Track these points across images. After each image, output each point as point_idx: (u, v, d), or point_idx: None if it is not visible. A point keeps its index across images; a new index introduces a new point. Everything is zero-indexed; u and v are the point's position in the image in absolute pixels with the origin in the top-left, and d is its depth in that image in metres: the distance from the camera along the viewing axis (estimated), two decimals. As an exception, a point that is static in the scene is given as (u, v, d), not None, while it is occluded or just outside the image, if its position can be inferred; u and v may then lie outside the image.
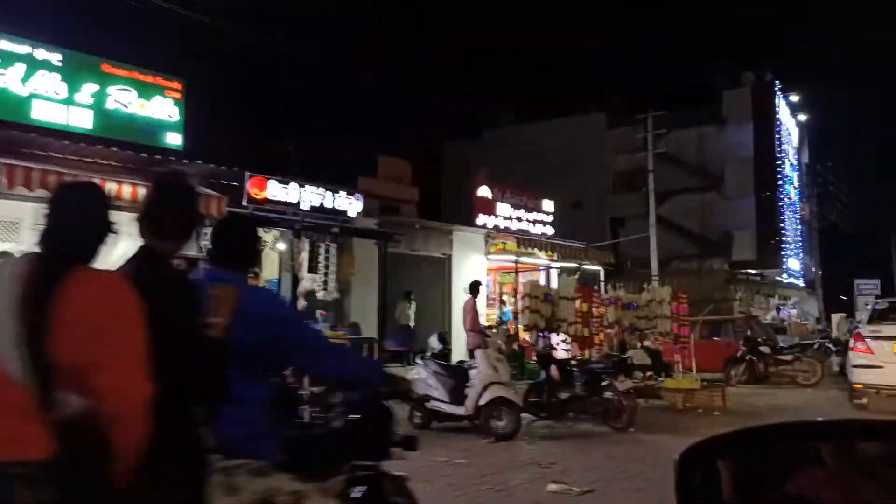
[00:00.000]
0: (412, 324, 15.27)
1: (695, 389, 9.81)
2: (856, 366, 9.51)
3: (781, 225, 33.58)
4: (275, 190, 10.52)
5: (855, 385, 9.49)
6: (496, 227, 17.40)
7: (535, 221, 19.01)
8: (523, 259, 17.23)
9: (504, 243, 17.19)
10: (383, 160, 21.44)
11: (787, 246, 34.46)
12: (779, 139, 33.68)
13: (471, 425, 7.66)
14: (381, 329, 12.55)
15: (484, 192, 17.42)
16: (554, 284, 19.49)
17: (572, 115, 36.85)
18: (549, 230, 19.59)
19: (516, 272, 16.33)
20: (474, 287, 10.40)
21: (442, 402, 7.83)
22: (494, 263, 18.31)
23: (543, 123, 37.48)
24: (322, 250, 11.35)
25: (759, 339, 14.31)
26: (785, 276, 34.52)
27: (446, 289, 15.94)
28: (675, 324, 11.87)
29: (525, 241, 16.55)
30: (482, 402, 7.45)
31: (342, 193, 11.52)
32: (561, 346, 12.37)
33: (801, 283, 37.87)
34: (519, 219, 18.50)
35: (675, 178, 35.46)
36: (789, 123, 37.24)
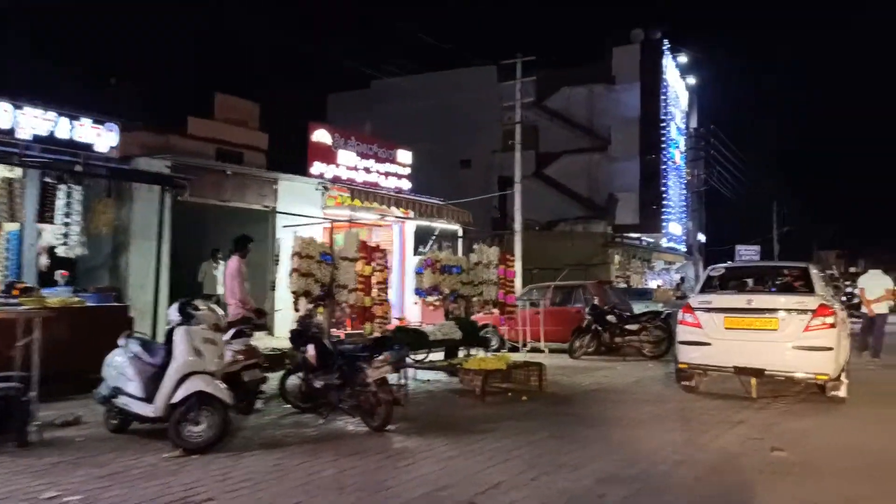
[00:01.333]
0: (221, 288, 13.06)
1: (500, 370, 8.19)
2: (682, 342, 8.19)
3: (664, 189, 33.23)
4: (-27, 111, 7.94)
5: (680, 365, 8.17)
6: (336, 178, 15.29)
7: (387, 174, 17.02)
8: (365, 215, 15.27)
9: (345, 196, 15.13)
10: (221, 99, 18.71)
11: (670, 210, 34.26)
12: (665, 100, 33.08)
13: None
14: (156, 294, 10.29)
15: (321, 137, 15.20)
16: (409, 245, 17.81)
17: (463, 67, 34.90)
18: (405, 184, 17.68)
19: (349, 228, 14.29)
20: (240, 243, 8.35)
21: (133, 397, 5.79)
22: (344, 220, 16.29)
23: (433, 75, 35.36)
24: (62, 194, 8.89)
25: (606, 308, 13.07)
26: (665, 240, 34.41)
27: (270, 248, 13.76)
28: (502, 290, 10.30)
29: (364, 193, 14.52)
30: (176, 399, 5.46)
31: (85, 121, 8.99)
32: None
33: (682, 248, 38.09)
34: (367, 170, 16.45)
35: (565, 138, 34.43)
36: (678, 86, 36.83)
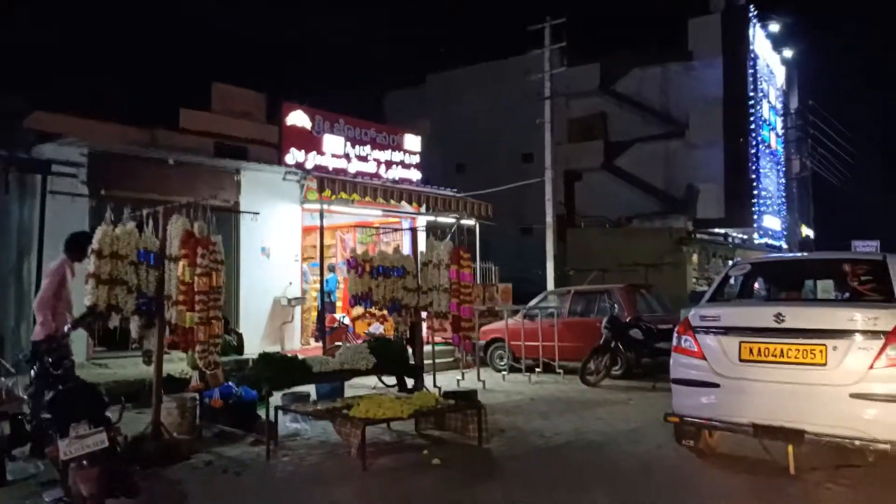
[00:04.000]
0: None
1: (399, 419, 5.58)
2: (677, 380, 5.26)
3: (755, 177, 28.83)
4: None
5: (670, 418, 5.21)
6: (319, 168, 13.12)
7: (389, 162, 14.69)
8: (344, 209, 12.99)
9: (328, 191, 12.90)
10: (219, 89, 17.00)
11: (764, 202, 29.76)
12: (754, 76, 28.72)
13: None
14: None
15: (298, 119, 13.06)
16: (422, 245, 15.37)
17: (522, 54, 32.05)
18: (414, 174, 15.29)
19: (321, 231, 12.04)
20: (71, 244, 6.18)
21: None
22: (340, 219, 14.16)
23: (491, 65, 32.74)
24: None
25: (629, 320, 10.05)
26: (757, 235, 29.90)
27: (234, 250, 11.78)
28: (455, 300, 7.66)
29: (342, 183, 12.21)
30: None
31: None
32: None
33: (782, 244, 33.20)
34: (362, 157, 14.20)
35: (637, 125, 30.75)
36: (772, 60, 32.17)
